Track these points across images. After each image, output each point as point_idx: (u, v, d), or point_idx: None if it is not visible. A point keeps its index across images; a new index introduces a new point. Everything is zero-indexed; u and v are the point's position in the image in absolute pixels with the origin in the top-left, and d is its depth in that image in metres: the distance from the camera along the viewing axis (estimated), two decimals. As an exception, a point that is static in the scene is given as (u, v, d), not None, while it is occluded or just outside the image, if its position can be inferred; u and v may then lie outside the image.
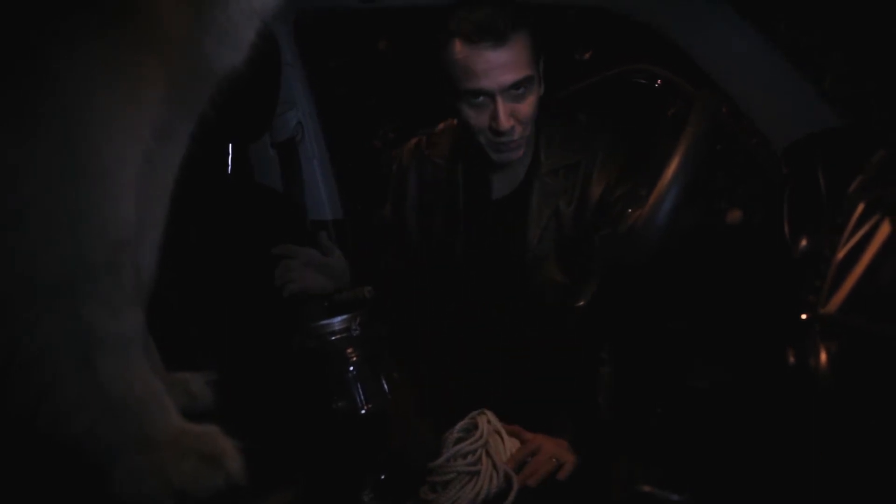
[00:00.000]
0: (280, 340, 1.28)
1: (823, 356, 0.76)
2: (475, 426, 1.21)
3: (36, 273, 0.66)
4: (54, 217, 0.66)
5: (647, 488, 0.97)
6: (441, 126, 1.59)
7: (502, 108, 1.32)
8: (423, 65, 1.50)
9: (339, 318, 1.22)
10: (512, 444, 1.23)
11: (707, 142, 1.15)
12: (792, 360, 0.80)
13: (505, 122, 1.32)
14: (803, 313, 0.83)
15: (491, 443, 1.19)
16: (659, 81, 1.54)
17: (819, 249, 0.92)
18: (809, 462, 0.80)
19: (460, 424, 1.22)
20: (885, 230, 0.78)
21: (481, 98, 1.33)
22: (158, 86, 0.71)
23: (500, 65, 1.29)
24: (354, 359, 1.20)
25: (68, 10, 0.66)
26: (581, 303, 1.29)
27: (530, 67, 1.33)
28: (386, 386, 1.21)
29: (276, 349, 1.27)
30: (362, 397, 1.18)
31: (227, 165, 1.46)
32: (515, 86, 1.32)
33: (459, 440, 1.19)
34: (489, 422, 1.23)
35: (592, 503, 1.17)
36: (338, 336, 1.21)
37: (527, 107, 1.36)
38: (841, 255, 0.82)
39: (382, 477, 1.16)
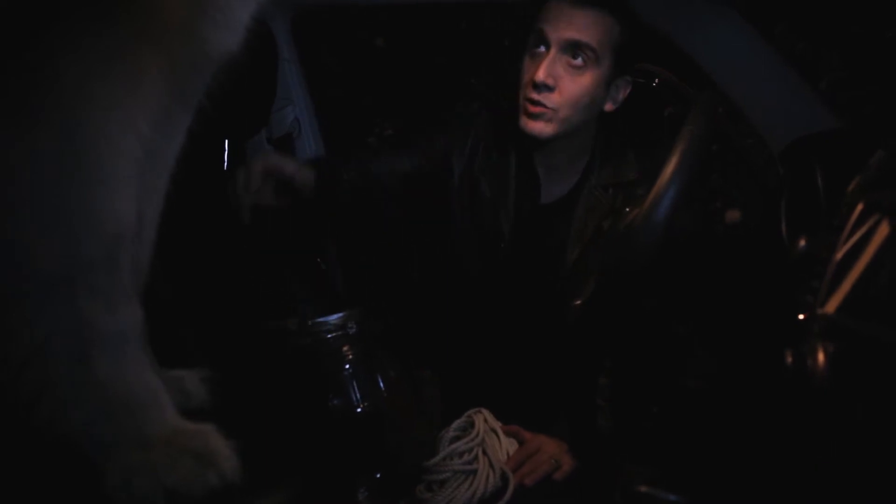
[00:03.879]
0: (275, 338, 1.27)
1: (821, 357, 0.76)
2: (471, 425, 1.21)
3: (32, 267, 0.66)
4: (51, 211, 0.66)
5: (644, 488, 0.96)
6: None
7: (549, 59, 1.31)
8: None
9: (335, 316, 1.21)
10: (509, 444, 1.23)
11: (705, 142, 1.15)
12: (790, 360, 0.79)
13: (544, 74, 1.30)
14: (801, 314, 0.82)
15: (487, 441, 1.18)
16: (657, 81, 1.54)
17: (817, 250, 0.92)
18: (807, 463, 0.80)
19: (456, 423, 1.22)
20: (883, 231, 0.78)
21: (541, 48, 1.33)
22: (156, 76, 0.70)
23: (570, 19, 1.30)
24: (350, 357, 1.19)
25: (67, 7, 0.65)
26: (579, 302, 1.29)
27: (598, 44, 1.31)
28: (382, 384, 1.21)
29: (271, 347, 1.27)
30: (358, 396, 1.17)
31: (224, 161, 1.46)
32: (574, 47, 1.30)
33: (455, 439, 1.19)
34: (486, 420, 1.22)
35: (589, 503, 1.16)
36: (334, 334, 1.20)
37: (575, 84, 1.32)
38: (839, 255, 0.82)
39: (378, 476, 1.15)
